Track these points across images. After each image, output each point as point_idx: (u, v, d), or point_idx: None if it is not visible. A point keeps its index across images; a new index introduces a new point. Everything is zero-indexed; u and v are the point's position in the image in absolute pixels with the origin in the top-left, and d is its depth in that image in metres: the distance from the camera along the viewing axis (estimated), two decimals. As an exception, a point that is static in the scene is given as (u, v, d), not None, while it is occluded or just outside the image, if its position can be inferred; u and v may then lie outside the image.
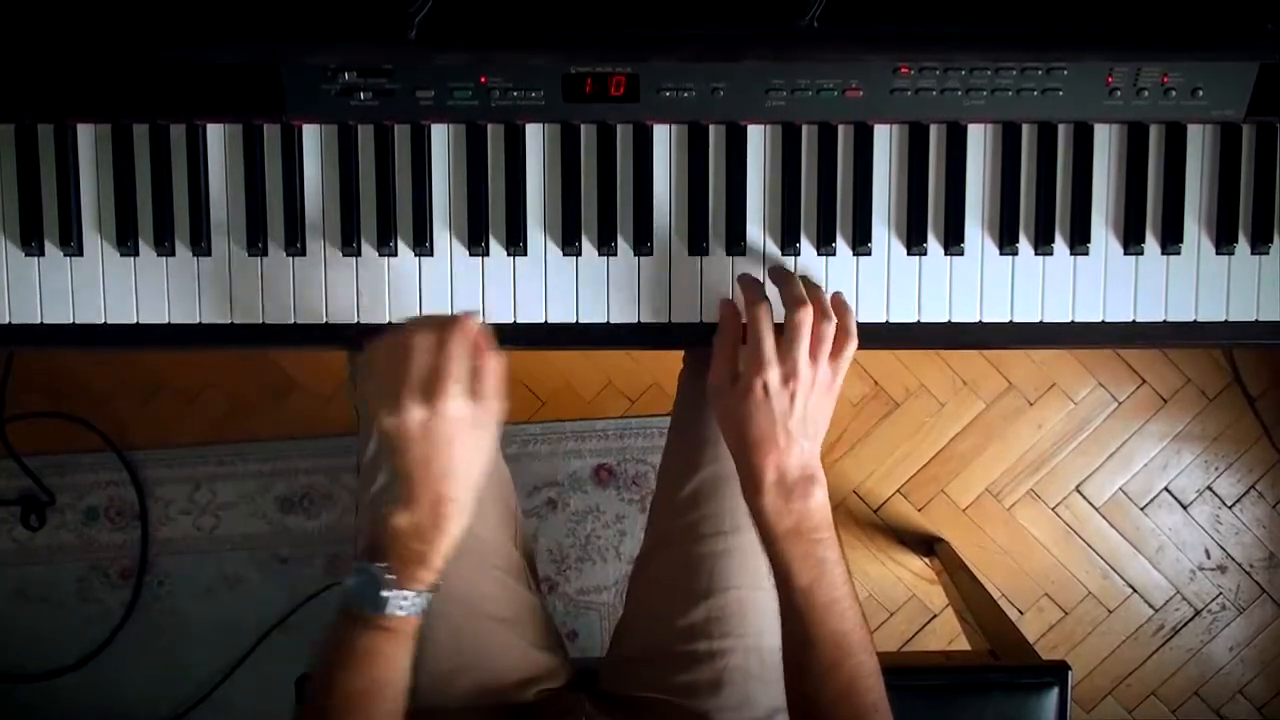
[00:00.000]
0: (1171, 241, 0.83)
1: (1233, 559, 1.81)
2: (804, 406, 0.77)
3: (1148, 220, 0.83)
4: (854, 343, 0.79)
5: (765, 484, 0.76)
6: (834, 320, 0.78)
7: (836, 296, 0.81)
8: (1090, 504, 1.80)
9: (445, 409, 0.71)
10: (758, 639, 0.91)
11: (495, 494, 1.00)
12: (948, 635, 1.80)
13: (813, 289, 0.79)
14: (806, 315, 0.76)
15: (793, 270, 0.83)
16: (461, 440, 0.73)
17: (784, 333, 0.77)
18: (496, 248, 0.83)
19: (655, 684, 0.92)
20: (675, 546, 0.96)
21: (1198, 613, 1.82)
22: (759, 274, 0.83)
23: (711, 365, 0.81)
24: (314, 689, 0.75)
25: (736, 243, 0.83)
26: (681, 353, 1.10)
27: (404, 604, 0.73)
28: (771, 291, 0.81)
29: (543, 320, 0.84)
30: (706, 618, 0.92)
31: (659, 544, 0.99)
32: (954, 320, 0.84)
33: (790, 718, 0.78)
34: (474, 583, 0.94)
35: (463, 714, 0.90)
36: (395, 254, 0.83)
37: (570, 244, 0.83)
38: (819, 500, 0.77)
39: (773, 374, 0.76)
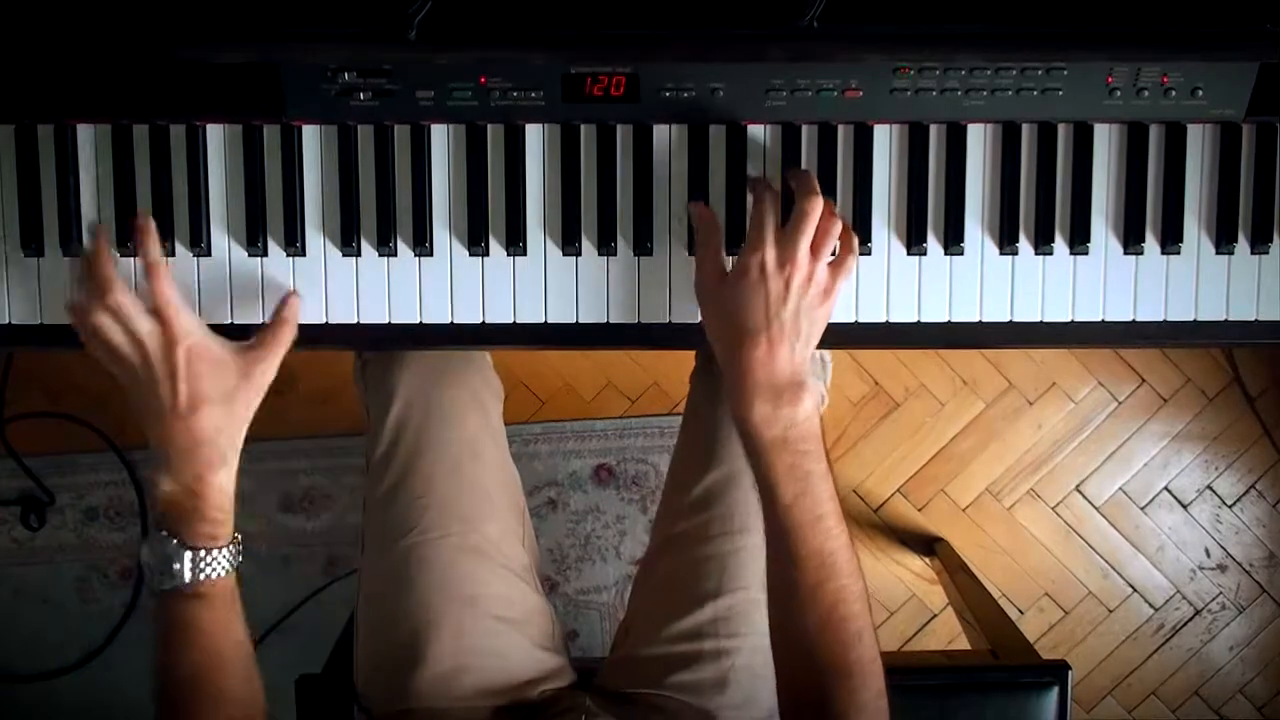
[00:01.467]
0: (1171, 241, 0.83)
1: (1233, 558, 1.81)
2: (798, 299, 0.74)
3: (1147, 220, 0.83)
4: (855, 257, 0.77)
5: (755, 385, 0.73)
6: (840, 221, 0.76)
7: (845, 224, 0.79)
8: (1090, 504, 1.80)
9: (181, 333, 0.72)
10: (764, 639, 0.90)
11: (504, 494, 1.00)
12: (948, 635, 1.80)
13: (827, 201, 0.78)
14: (816, 205, 0.74)
15: (809, 171, 0.80)
16: (205, 371, 0.73)
17: (790, 219, 0.75)
18: (496, 248, 0.83)
19: (659, 682, 0.92)
20: (684, 547, 0.96)
21: (1198, 612, 1.82)
22: None
23: (697, 268, 0.79)
24: (154, 681, 0.73)
25: (736, 243, 0.83)
26: (683, 352, 1.10)
27: (202, 566, 0.72)
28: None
29: (542, 320, 0.84)
30: (714, 617, 0.92)
31: (667, 545, 0.99)
32: (954, 320, 0.84)
33: (774, 654, 0.76)
34: (481, 582, 0.94)
35: (466, 713, 0.90)
36: (395, 254, 0.83)
37: (570, 244, 0.83)
38: (807, 409, 0.74)
39: (770, 254, 0.74)
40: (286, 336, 0.78)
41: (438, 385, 0.98)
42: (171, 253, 0.83)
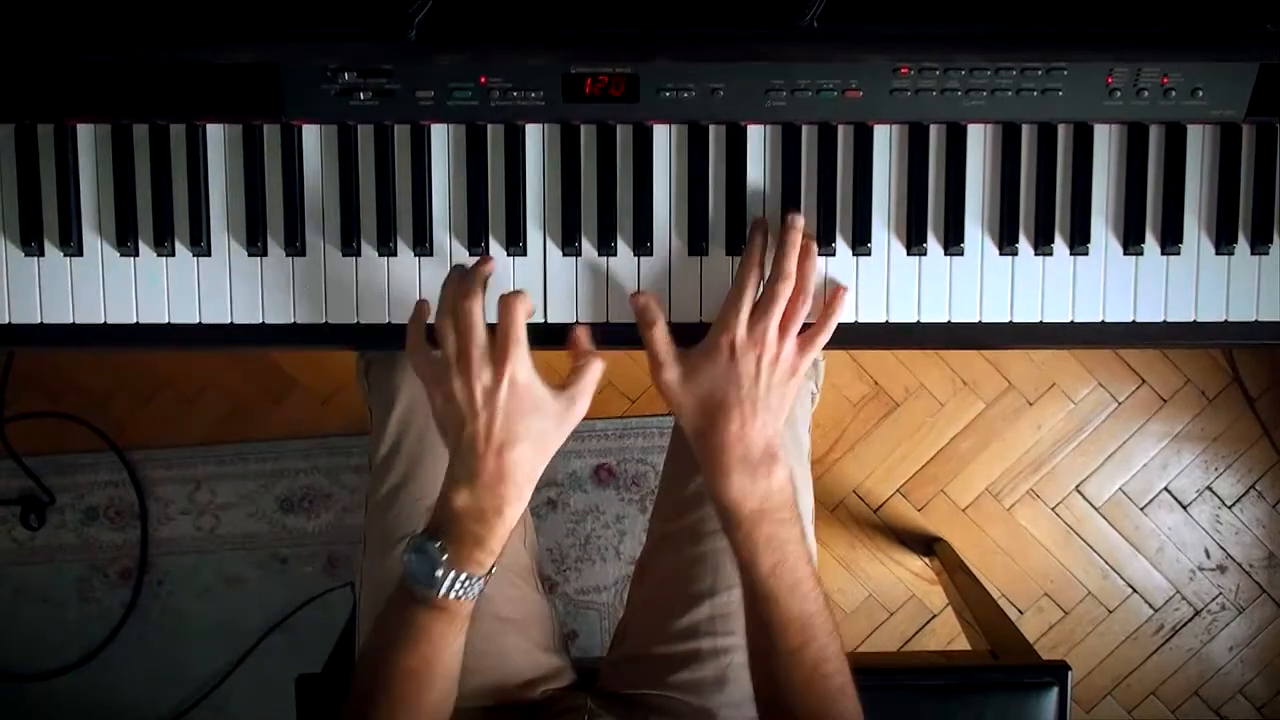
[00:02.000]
0: (1171, 242, 0.83)
1: (1233, 559, 1.81)
2: (768, 378, 0.76)
3: (1147, 220, 0.83)
4: (826, 336, 0.79)
5: (731, 461, 0.75)
6: (808, 302, 0.78)
7: (836, 291, 0.81)
8: (1090, 504, 1.80)
9: (513, 373, 0.72)
10: None
11: None
12: (948, 635, 1.80)
13: (804, 263, 0.79)
14: (785, 290, 0.77)
15: (790, 246, 0.80)
16: (526, 413, 0.73)
17: (760, 299, 0.77)
18: (496, 248, 0.83)
19: (658, 681, 0.92)
20: (678, 545, 0.96)
21: (1198, 613, 1.82)
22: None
23: (652, 356, 0.78)
24: (365, 665, 0.76)
25: (736, 243, 0.83)
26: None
27: (458, 587, 0.72)
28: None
29: (542, 320, 0.84)
30: (711, 615, 0.92)
31: (662, 543, 0.99)
32: (954, 320, 0.84)
33: (758, 708, 0.78)
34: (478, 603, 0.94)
35: (467, 714, 0.90)
36: (395, 254, 0.83)
37: (570, 244, 0.83)
38: (781, 478, 0.76)
39: (740, 333, 0.76)
40: (597, 373, 0.78)
41: None
42: (171, 253, 0.83)
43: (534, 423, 0.74)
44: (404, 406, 0.96)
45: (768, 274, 0.79)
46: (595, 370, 0.78)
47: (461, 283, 0.75)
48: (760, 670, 0.77)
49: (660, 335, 0.79)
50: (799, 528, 0.77)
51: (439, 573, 0.72)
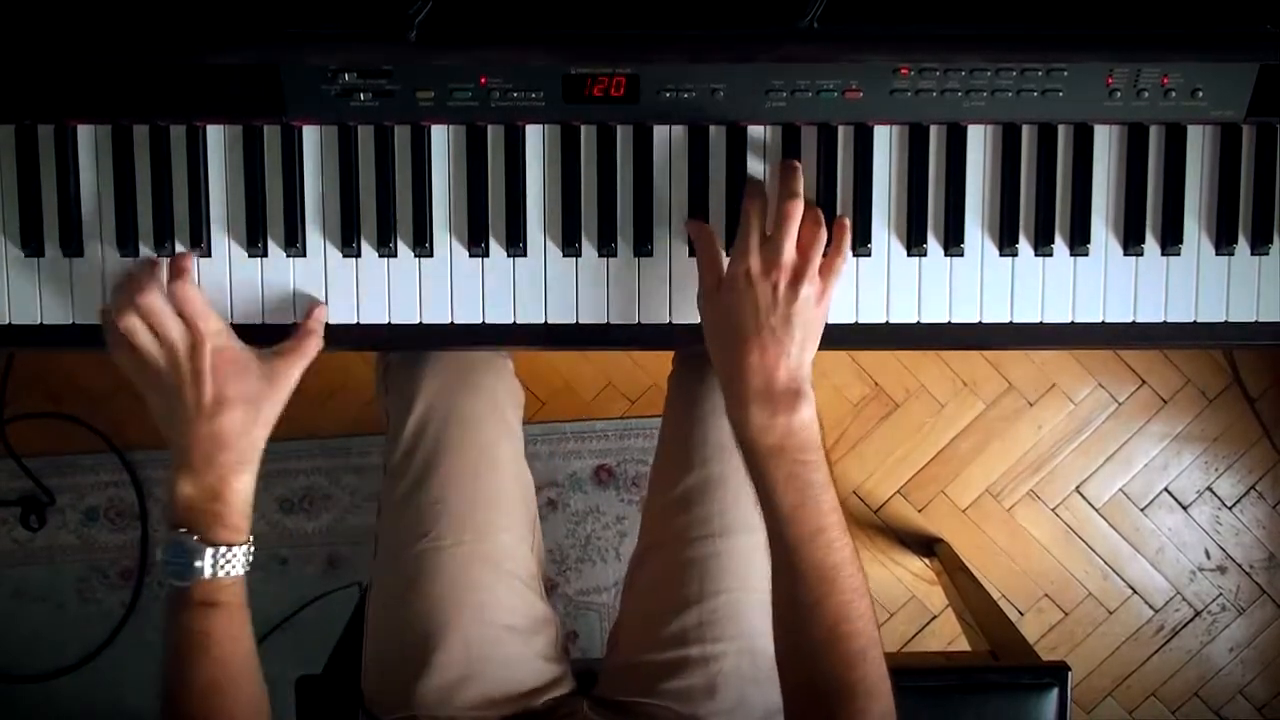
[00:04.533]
0: (1171, 242, 0.83)
1: (1233, 560, 1.81)
2: (788, 304, 0.73)
3: (1148, 221, 0.83)
4: (844, 259, 0.77)
5: (748, 391, 0.72)
6: (823, 227, 0.76)
7: (840, 219, 0.79)
8: (1090, 504, 1.80)
9: (212, 343, 0.73)
10: (750, 641, 0.91)
11: (519, 502, 1.00)
12: (948, 635, 1.80)
13: (809, 202, 0.78)
14: (797, 208, 0.74)
15: (797, 168, 0.79)
16: (231, 377, 0.74)
17: (774, 223, 0.75)
18: (496, 248, 0.83)
19: (649, 689, 0.92)
20: (665, 551, 0.96)
21: (1198, 613, 1.82)
22: None
23: (699, 280, 0.79)
24: (166, 691, 0.74)
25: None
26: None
27: (221, 562, 0.72)
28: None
29: (542, 320, 0.84)
30: (699, 622, 0.92)
31: (650, 548, 0.99)
32: (954, 321, 0.84)
33: (779, 674, 0.75)
34: (490, 591, 0.93)
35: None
36: (395, 254, 0.83)
37: (570, 245, 0.83)
38: (805, 417, 0.72)
39: (755, 261, 0.74)
40: (312, 346, 0.80)
41: (459, 392, 0.97)
42: (170, 253, 0.82)
43: (242, 385, 0.74)
44: (421, 410, 0.96)
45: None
46: (311, 344, 0.79)
47: (133, 283, 0.74)
48: (780, 624, 0.74)
49: (705, 259, 0.78)
50: (825, 472, 0.73)
51: (197, 559, 0.72)
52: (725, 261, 0.78)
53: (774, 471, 0.72)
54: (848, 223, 0.80)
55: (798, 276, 0.74)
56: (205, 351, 0.73)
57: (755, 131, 0.82)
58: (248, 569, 0.75)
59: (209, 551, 0.72)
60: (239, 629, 0.74)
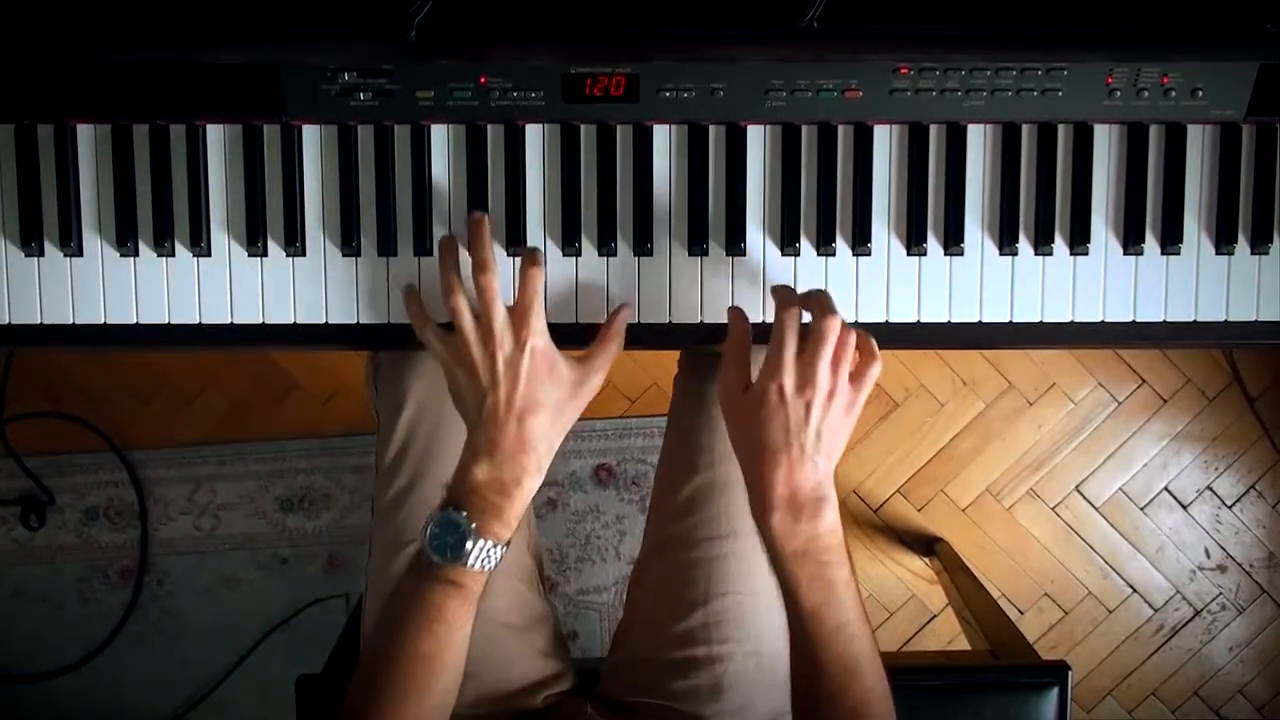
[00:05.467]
0: (1171, 241, 0.83)
1: (1233, 559, 1.81)
2: (819, 420, 0.74)
3: (1147, 220, 0.83)
4: (878, 366, 0.76)
5: (774, 500, 0.73)
6: (854, 334, 0.75)
7: (864, 336, 0.78)
8: (1090, 504, 1.80)
9: (533, 341, 0.74)
10: (756, 643, 0.91)
11: None
12: (948, 635, 1.80)
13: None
14: (834, 324, 0.74)
15: (825, 291, 0.80)
16: (545, 381, 0.75)
17: (808, 341, 0.75)
18: (497, 248, 0.83)
19: (655, 690, 0.92)
20: (671, 552, 0.96)
21: (1198, 613, 1.82)
22: (759, 278, 0.83)
23: (720, 372, 0.79)
24: (373, 651, 0.75)
25: (736, 243, 0.83)
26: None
27: (483, 555, 0.73)
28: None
29: (543, 320, 0.84)
30: (704, 623, 0.92)
31: (656, 549, 0.99)
32: (954, 320, 0.84)
33: None
34: (488, 589, 0.93)
35: (469, 720, 0.90)
36: (395, 254, 0.83)
37: (570, 244, 0.83)
38: (829, 522, 0.74)
39: (789, 379, 0.74)
40: (616, 350, 0.80)
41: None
42: (171, 253, 0.83)
43: (553, 390, 0.75)
44: (412, 410, 0.96)
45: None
46: (614, 349, 0.80)
47: (476, 255, 0.76)
48: (800, 706, 0.76)
49: (733, 352, 0.79)
50: (847, 569, 0.74)
51: (468, 544, 0.73)
52: (750, 365, 0.78)
53: (798, 573, 0.74)
54: (873, 344, 0.78)
55: (830, 394, 0.74)
56: (527, 351, 0.74)
57: (755, 131, 0.82)
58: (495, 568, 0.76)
59: (481, 542, 0.73)
60: (466, 617, 0.75)
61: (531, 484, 0.76)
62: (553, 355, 0.76)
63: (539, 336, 0.75)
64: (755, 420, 0.75)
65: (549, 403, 0.75)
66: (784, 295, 0.79)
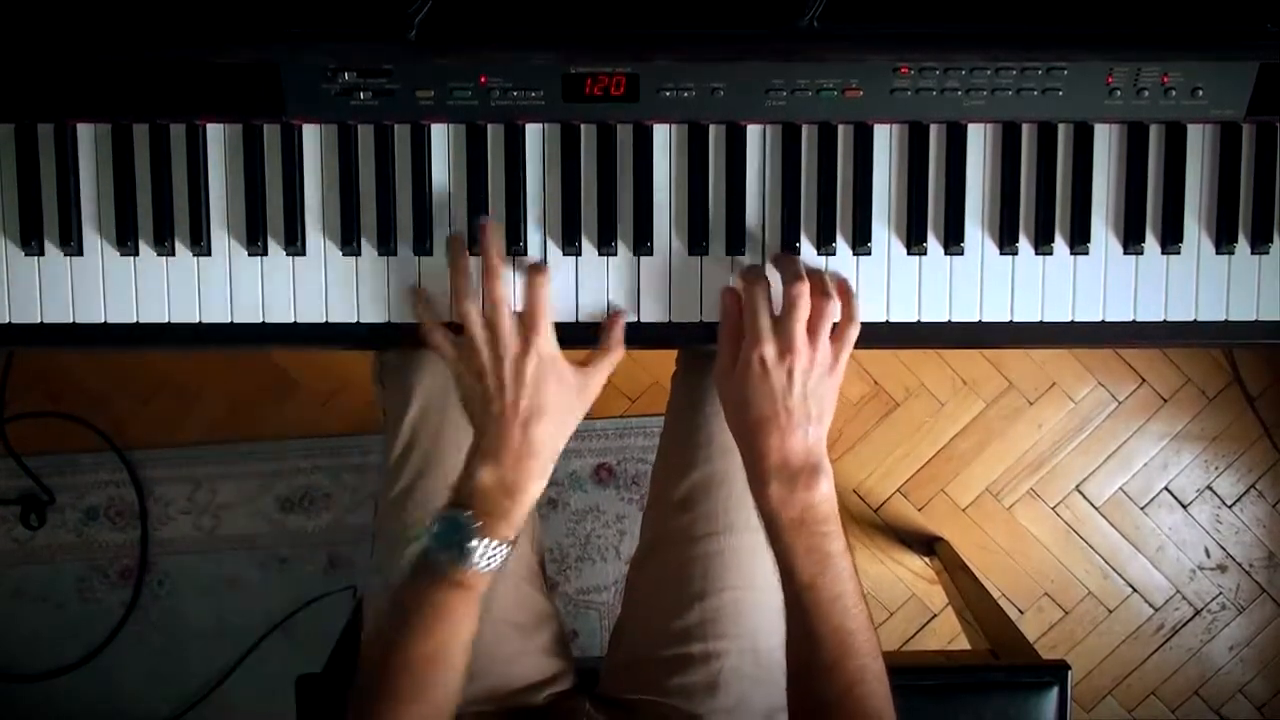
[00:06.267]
0: (1171, 241, 0.83)
1: (1233, 558, 1.81)
2: (803, 384, 0.75)
3: (1148, 220, 0.83)
4: (856, 326, 0.78)
5: (769, 469, 0.75)
6: (834, 298, 0.77)
7: (841, 281, 0.80)
8: (1090, 504, 1.80)
9: (540, 347, 0.75)
10: (753, 640, 0.91)
11: None
12: (948, 635, 1.80)
13: (813, 271, 0.79)
14: (803, 289, 0.76)
15: (793, 256, 0.82)
16: (551, 386, 0.76)
17: (782, 309, 0.76)
18: (496, 248, 0.83)
19: (652, 687, 0.92)
20: (668, 548, 0.96)
21: (1198, 612, 1.82)
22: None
23: (716, 355, 0.80)
24: (376, 653, 0.75)
25: (736, 243, 0.83)
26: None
27: (488, 554, 0.74)
28: (773, 276, 0.81)
29: (543, 320, 0.84)
30: (701, 620, 0.92)
31: (653, 546, 0.99)
32: (954, 320, 0.84)
33: None
34: (491, 587, 0.93)
35: (470, 719, 0.90)
36: (395, 253, 0.83)
37: (570, 244, 0.83)
38: (824, 491, 0.75)
39: (768, 348, 0.75)
40: (618, 356, 0.81)
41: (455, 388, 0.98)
42: (171, 253, 0.83)
43: (558, 396, 0.76)
44: (418, 408, 0.96)
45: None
46: (616, 355, 0.81)
47: (486, 261, 0.77)
48: (796, 685, 0.77)
49: (726, 333, 0.80)
50: (842, 541, 0.76)
51: (471, 543, 0.73)
52: (732, 354, 0.79)
53: (794, 543, 0.75)
54: (851, 286, 0.81)
55: (811, 356, 0.76)
56: (533, 359, 0.75)
57: (755, 131, 0.82)
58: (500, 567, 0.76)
59: (485, 541, 0.74)
60: (472, 617, 0.76)
61: (536, 488, 0.76)
62: (559, 361, 0.77)
63: (546, 343, 0.76)
64: (743, 393, 0.76)
65: (554, 408, 0.76)
66: (749, 271, 0.80)
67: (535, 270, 0.78)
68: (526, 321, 0.76)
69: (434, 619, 0.74)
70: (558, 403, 0.76)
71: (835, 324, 0.78)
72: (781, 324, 0.76)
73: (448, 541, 0.74)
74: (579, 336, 0.84)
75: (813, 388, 0.76)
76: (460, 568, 0.73)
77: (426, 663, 0.74)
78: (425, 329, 0.80)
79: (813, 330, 0.76)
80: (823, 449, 0.77)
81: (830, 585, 0.74)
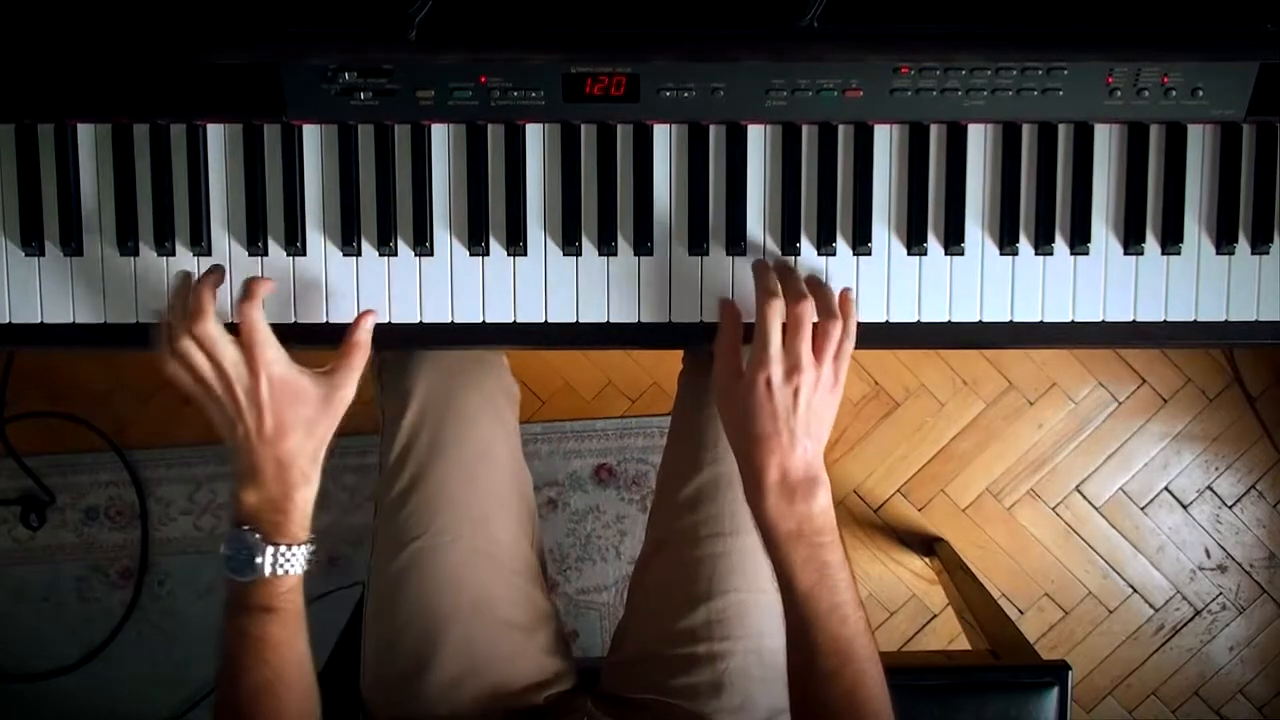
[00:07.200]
0: (1171, 241, 0.83)
1: (1233, 559, 1.81)
2: (807, 405, 0.76)
3: (1148, 220, 0.83)
4: (851, 342, 0.79)
5: (768, 484, 0.76)
6: (839, 318, 0.77)
7: (844, 294, 0.80)
8: (1090, 504, 1.80)
9: (268, 372, 0.75)
10: (758, 641, 0.91)
11: (517, 498, 1.00)
12: (948, 635, 1.80)
13: (818, 286, 0.80)
14: (809, 310, 0.76)
15: (794, 268, 0.83)
16: (290, 404, 0.76)
17: (787, 330, 0.77)
18: (496, 248, 0.83)
19: (656, 686, 0.92)
20: (675, 549, 0.96)
21: (1198, 612, 1.82)
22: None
23: (714, 365, 0.80)
24: (218, 692, 0.76)
25: (736, 243, 0.83)
26: (681, 353, 1.10)
27: (281, 560, 0.74)
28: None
29: (543, 320, 0.84)
30: (706, 620, 0.92)
31: (659, 546, 0.99)
32: (954, 320, 0.84)
33: None
34: (489, 587, 0.93)
35: (470, 719, 0.90)
36: (395, 254, 0.83)
37: (570, 244, 0.83)
38: (822, 503, 0.76)
39: (776, 369, 0.76)
40: (360, 359, 0.81)
41: (454, 389, 0.98)
42: (172, 253, 0.83)
43: (300, 411, 0.76)
44: (416, 409, 0.96)
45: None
46: (358, 359, 0.80)
47: (193, 306, 0.75)
48: (797, 689, 0.77)
49: (724, 345, 0.80)
50: (840, 551, 0.76)
51: (257, 556, 0.74)
52: (741, 354, 0.79)
53: (792, 554, 0.75)
54: (852, 296, 0.81)
55: (816, 377, 0.77)
56: (262, 381, 0.75)
57: (755, 131, 0.82)
58: (307, 569, 0.76)
59: (270, 550, 0.74)
60: (294, 635, 0.76)
61: (304, 494, 0.77)
62: (293, 378, 0.76)
63: (273, 365, 0.75)
64: (746, 410, 0.77)
65: (299, 422, 0.76)
66: (764, 275, 0.80)
67: (243, 299, 0.76)
68: (246, 350, 0.75)
69: (258, 650, 0.74)
70: (301, 417, 0.76)
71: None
72: (787, 345, 0.76)
73: (238, 561, 0.74)
74: (579, 337, 0.84)
75: (815, 409, 0.77)
76: (261, 589, 0.74)
77: (265, 693, 0.74)
78: (160, 362, 0.78)
79: (817, 350, 0.76)
80: (820, 462, 0.77)
81: (828, 594, 0.75)
